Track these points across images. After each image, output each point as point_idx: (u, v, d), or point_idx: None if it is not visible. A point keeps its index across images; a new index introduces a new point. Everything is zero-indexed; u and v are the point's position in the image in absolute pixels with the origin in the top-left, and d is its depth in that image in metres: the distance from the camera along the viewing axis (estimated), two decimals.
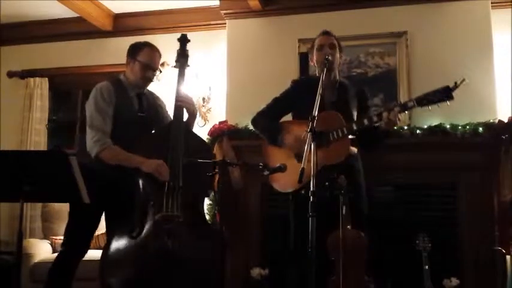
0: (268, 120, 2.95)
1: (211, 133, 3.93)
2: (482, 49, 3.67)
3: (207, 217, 3.66)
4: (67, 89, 5.03)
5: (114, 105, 2.68)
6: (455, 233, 3.50)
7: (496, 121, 3.48)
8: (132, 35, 4.41)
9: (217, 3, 4.25)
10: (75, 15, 4.45)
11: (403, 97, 3.62)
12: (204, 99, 4.29)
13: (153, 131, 2.85)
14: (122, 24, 4.68)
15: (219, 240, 2.40)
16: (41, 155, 2.48)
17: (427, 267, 2.92)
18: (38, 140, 4.68)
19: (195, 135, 2.83)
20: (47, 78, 4.79)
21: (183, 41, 2.89)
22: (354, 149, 2.79)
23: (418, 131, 3.54)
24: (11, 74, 4.87)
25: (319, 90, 2.28)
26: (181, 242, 2.40)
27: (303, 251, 2.17)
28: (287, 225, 2.84)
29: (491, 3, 3.73)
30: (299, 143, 2.60)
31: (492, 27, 3.68)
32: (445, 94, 2.43)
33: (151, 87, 2.95)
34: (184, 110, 2.76)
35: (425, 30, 3.80)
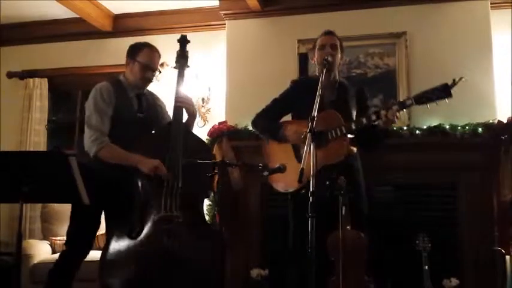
0: (268, 121, 2.95)
1: (211, 134, 3.93)
2: (482, 49, 3.67)
3: (207, 218, 3.66)
4: (66, 89, 5.02)
5: (114, 105, 2.69)
6: (455, 233, 3.50)
7: (496, 121, 3.48)
8: (131, 36, 4.41)
9: (217, 3, 4.25)
10: (75, 15, 4.45)
11: (402, 98, 3.61)
12: (203, 99, 4.29)
13: (153, 132, 2.85)
14: (122, 24, 4.68)
15: (219, 241, 2.39)
16: (40, 156, 2.47)
17: (426, 267, 2.92)
18: (37, 140, 4.67)
19: (195, 135, 2.83)
20: (46, 79, 4.79)
21: (183, 42, 2.88)
22: (354, 149, 2.79)
23: (417, 132, 3.55)
24: (10, 75, 4.86)
25: (319, 91, 2.28)
26: (180, 242, 2.40)
27: (302, 251, 2.17)
28: (287, 225, 2.85)
29: (491, 3, 3.73)
30: (300, 135, 2.59)
31: (492, 28, 3.69)
32: (443, 92, 2.43)
33: (151, 87, 2.95)
34: (184, 110, 2.76)
35: (425, 30, 3.80)
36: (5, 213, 4.47)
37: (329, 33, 2.87)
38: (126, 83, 2.80)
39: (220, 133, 3.89)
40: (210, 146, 3.76)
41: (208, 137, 3.91)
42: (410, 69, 3.76)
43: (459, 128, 3.48)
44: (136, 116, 2.76)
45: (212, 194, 3.44)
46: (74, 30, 4.72)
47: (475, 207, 3.45)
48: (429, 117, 3.58)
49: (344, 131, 2.61)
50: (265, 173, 2.47)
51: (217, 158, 3.41)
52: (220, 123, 3.96)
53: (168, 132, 2.65)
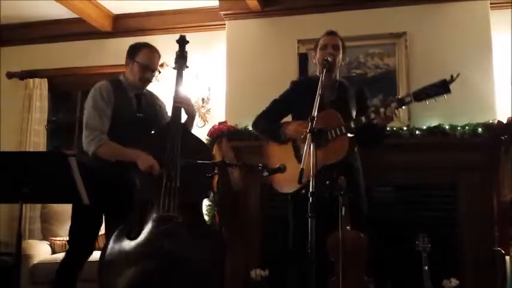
0: (268, 122, 2.95)
1: (211, 134, 3.93)
2: (482, 50, 3.67)
3: (207, 218, 3.66)
4: (66, 89, 5.02)
5: (113, 105, 2.69)
6: (455, 233, 3.50)
7: (496, 122, 3.48)
8: (131, 36, 4.41)
9: (217, 4, 4.25)
10: (75, 16, 4.46)
11: None
12: (203, 99, 4.28)
13: (152, 132, 2.85)
14: (122, 25, 4.68)
15: (218, 241, 2.39)
16: (40, 156, 2.47)
17: (426, 267, 2.91)
18: (37, 140, 4.67)
19: (194, 135, 2.83)
20: (46, 79, 4.79)
21: (182, 42, 2.88)
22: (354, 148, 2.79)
23: (417, 132, 3.55)
24: (10, 75, 4.86)
25: (319, 90, 2.28)
26: (179, 243, 2.40)
27: (302, 251, 2.16)
28: (287, 225, 2.85)
29: (491, 3, 3.73)
30: (300, 133, 2.59)
31: (491, 28, 3.69)
32: (442, 88, 2.42)
33: (151, 87, 2.95)
34: (183, 110, 2.76)
35: (425, 30, 3.80)
36: (5, 214, 4.47)
37: (331, 34, 2.87)
38: (126, 83, 2.80)
39: (220, 133, 3.89)
40: (210, 146, 3.76)
41: (208, 137, 3.92)
42: (410, 70, 3.76)
43: (459, 128, 3.48)
44: (136, 116, 2.76)
45: (212, 194, 3.44)
46: (74, 30, 4.72)
47: (475, 207, 3.45)
48: (429, 118, 3.59)
49: (343, 131, 2.61)
50: (265, 173, 2.46)
51: (217, 158, 3.41)
52: (220, 123, 3.96)
53: (167, 132, 2.65)
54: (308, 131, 2.09)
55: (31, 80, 4.77)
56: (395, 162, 3.55)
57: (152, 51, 2.81)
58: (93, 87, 2.74)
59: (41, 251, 3.95)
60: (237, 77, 4.11)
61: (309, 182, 1.99)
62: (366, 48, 3.88)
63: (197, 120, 4.15)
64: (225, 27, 4.24)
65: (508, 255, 3.12)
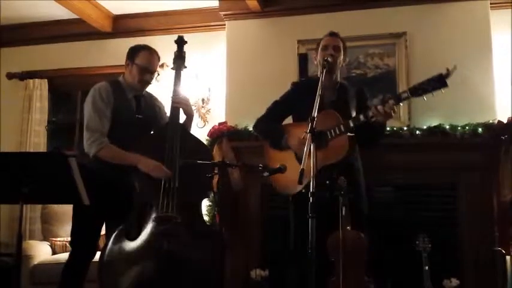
0: (269, 124, 2.95)
1: (211, 134, 3.93)
2: (482, 50, 3.67)
3: (207, 218, 3.66)
4: (66, 90, 5.03)
5: (112, 106, 2.69)
6: (455, 233, 3.50)
7: (496, 122, 3.48)
8: (131, 36, 4.43)
9: (217, 4, 4.25)
10: (75, 16, 4.46)
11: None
12: (203, 100, 4.29)
13: (151, 132, 2.85)
14: (122, 25, 4.68)
15: (218, 241, 2.39)
16: (40, 157, 2.48)
17: (427, 267, 2.91)
18: (37, 141, 4.67)
19: (193, 136, 2.83)
20: (46, 80, 4.79)
21: (180, 42, 2.89)
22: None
23: (417, 132, 3.55)
24: (10, 76, 4.87)
25: (319, 91, 2.28)
26: (178, 243, 2.40)
27: (302, 251, 2.16)
28: (287, 226, 2.85)
29: (491, 3, 3.73)
30: (303, 145, 2.59)
31: (491, 28, 3.69)
32: (438, 82, 2.41)
33: (151, 88, 2.95)
34: (181, 111, 2.76)
35: (425, 30, 3.80)
36: (5, 214, 4.47)
37: (333, 35, 2.88)
38: (125, 84, 2.80)
39: (220, 134, 3.89)
40: (210, 147, 3.76)
41: (208, 138, 3.92)
42: (410, 70, 3.76)
43: (459, 128, 3.48)
44: (135, 117, 2.76)
45: (212, 195, 3.45)
46: (74, 31, 4.72)
47: (475, 207, 3.45)
48: (429, 118, 3.59)
49: (342, 130, 2.61)
50: (266, 174, 2.47)
51: (217, 159, 3.42)
52: (220, 123, 3.96)
53: (165, 133, 2.65)
54: (308, 131, 2.09)
55: (31, 80, 4.77)
56: (396, 162, 3.55)
57: (151, 54, 2.81)
58: (92, 88, 2.74)
59: (42, 252, 3.95)
60: (237, 78, 4.11)
61: (310, 182, 1.99)
62: (365, 48, 3.88)
63: (197, 121, 4.18)
64: (225, 27, 4.24)
65: (508, 255, 3.12)
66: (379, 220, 3.14)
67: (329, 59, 2.66)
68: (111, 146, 2.61)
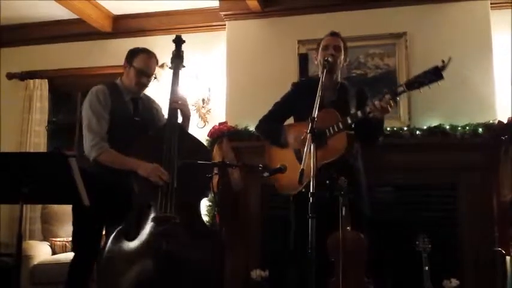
0: (270, 124, 2.97)
1: (211, 134, 3.93)
2: (482, 50, 3.67)
3: (207, 218, 3.66)
4: (67, 90, 5.03)
5: (110, 108, 2.69)
6: (455, 234, 3.50)
7: (496, 122, 3.48)
8: (131, 37, 4.43)
9: (217, 4, 4.25)
10: (75, 16, 4.46)
11: (402, 98, 3.62)
12: (203, 100, 4.28)
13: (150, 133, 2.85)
14: (122, 25, 4.68)
15: (218, 241, 2.39)
16: (40, 157, 2.48)
17: (427, 268, 2.92)
18: (37, 141, 4.68)
19: (191, 136, 2.82)
20: (46, 80, 4.80)
21: (178, 42, 2.89)
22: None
23: (417, 132, 3.55)
24: (10, 76, 4.87)
25: (319, 91, 2.28)
26: (177, 243, 2.40)
27: (302, 252, 2.16)
28: (287, 226, 2.85)
29: (491, 3, 3.73)
30: (300, 141, 2.60)
31: (492, 28, 3.69)
32: (434, 75, 2.41)
33: (151, 88, 2.95)
34: (179, 111, 2.76)
35: (425, 31, 3.80)
36: (5, 214, 4.47)
37: (334, 35, 2.88)
38: (122, 87, 2.80)
39: (220, 134, 3.89)
40: (210, 147, 3.76)
41: (208, 138, 3.92)
42: (410, 70, 3.76)
43: (459, 128, 3.48)
44: (132, 119, 2.76)
45: (212, 195, 3.45)
46: (74, 31, 4.72)
47: (475, 207, 3.45)
48: (429, 118, 3.59)
49: (341, 127, 2.61)
50: (266, 174, 2.47)
51: (218, 159, 3.42)
52: (220, 123, 3.96)
53: (163, 133, 2.65)
54: (308, 131, 2.09)
55: (31, 80, 4.78)
56: (396, 162, 3.55)
57: (149, 57, 2.81)
58: (89, 91, 2.74)
59: (42, 252, 3.96)
60: (237, 78, 4.11)
61: (310, 182, 1.99)
62: (366, 48, 3.88)
63: (197, 121, 4.18)
64: (225, 27, 4.24)
65: (508, 255, 3.12)
66: (379, 220, 3.13)
67: (329, 59, 2.66)
68: (111, 150, 2.61)
